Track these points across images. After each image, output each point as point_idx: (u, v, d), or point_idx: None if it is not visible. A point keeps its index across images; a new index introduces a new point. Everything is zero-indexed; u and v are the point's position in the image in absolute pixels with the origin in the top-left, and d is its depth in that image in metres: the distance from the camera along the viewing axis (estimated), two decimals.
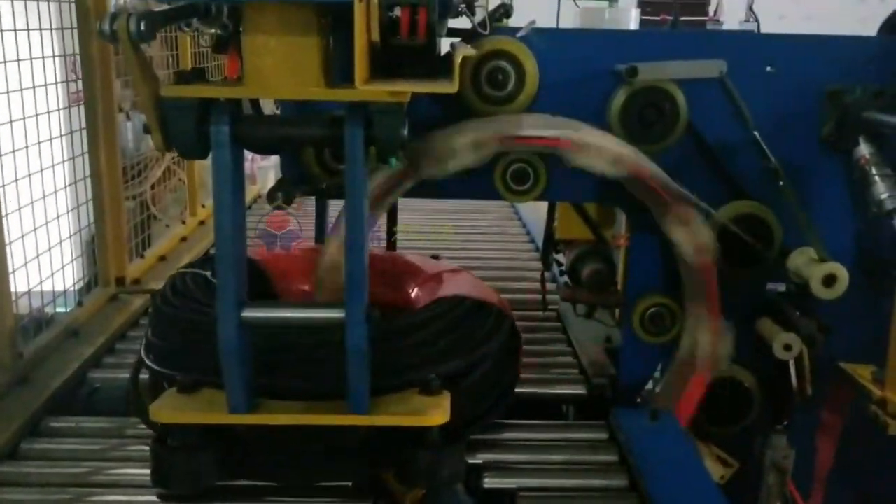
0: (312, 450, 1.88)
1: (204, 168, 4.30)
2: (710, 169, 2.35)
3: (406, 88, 1.58)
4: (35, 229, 2.74)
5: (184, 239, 4.04)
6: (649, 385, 2.55)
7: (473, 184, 2.28)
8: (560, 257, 3.23)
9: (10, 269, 2.46)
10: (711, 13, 9.49)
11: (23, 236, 2.63)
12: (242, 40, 1.57)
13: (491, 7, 2.44)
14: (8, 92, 2.57)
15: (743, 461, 2.52)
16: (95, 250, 3.18)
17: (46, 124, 2.83)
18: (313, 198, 2.61)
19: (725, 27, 7.38)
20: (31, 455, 2.15)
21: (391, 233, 2.86)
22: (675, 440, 2.26)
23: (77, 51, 2.97)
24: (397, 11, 1.59)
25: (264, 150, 2.35)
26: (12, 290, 2.47)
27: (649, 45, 2.30)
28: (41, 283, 2.76)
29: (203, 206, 4.37)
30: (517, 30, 2.25)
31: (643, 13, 3.41)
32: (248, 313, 1.68)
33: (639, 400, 2.51)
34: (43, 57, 2.79)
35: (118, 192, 3.21)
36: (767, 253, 2.32)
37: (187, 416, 1.77)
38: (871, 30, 2.53)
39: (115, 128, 3.15)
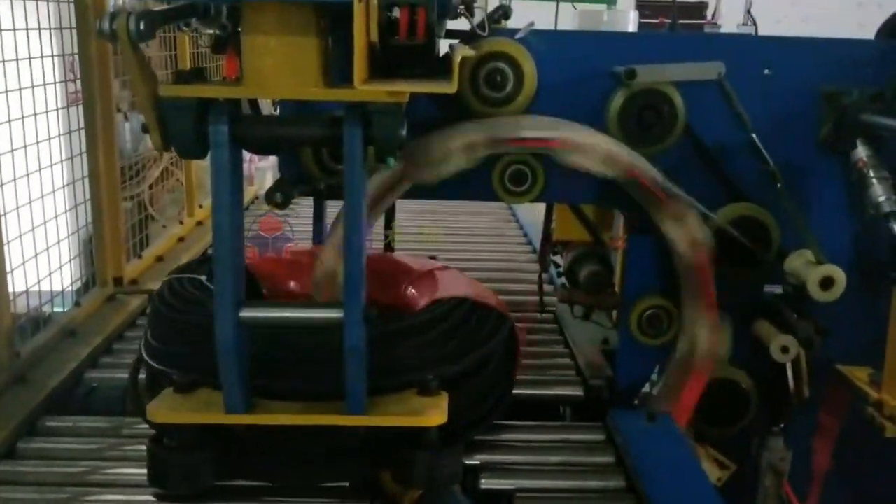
0: (310, 450, 1.88)
1: (202, 169, 4.30)
2: (708, 171, 2.36)
3: (405, 89, 1.58)
4: (33, 229, 2.74)
5: (181, 239, 4.04)
6: (646, 387, 2.55)
7: (471, 185, 2.29)
8: (558, 259, 3.23)
9: (8, 269, 2.46)
10: (709, 16, 9.50)
11: (20, 236, 2.63)
12: (241, 40, 1.57)
13: (490, 8, 2.44)
14: (7, 91, 2.57)
15: (740, 463, 2.53)
16: (93, 250, 3.18)
17: (45, 124, 2.83)
18: (308, 198, 2.61)
19: (723, 30, 7.39)
20: (28, 454, 2.15)
21: (388, 235, 2.86)
22: (672, 442, 2.26)
23: (75, 50, 2.97)
24: (396, 12, 1.59)
25: (263, 150, 2.35)
26: (10, 289, 2.47)
27: (647, 48, 2.31)
28: (39, 282, 2.76)
29: (200, 207, 4.38)
30: (516, 31, 2.26)
31: (641, 16, 3.42)
32: (246, 313, 1.68)
33: (636, 402, 2.51)
34: (42, 57, 2.79)
35: (116, 192, 3.21)
36: (765, 255, 2.33)
37: (184, 416, 1.76)
38: (868, 33, 2.54)
39: (114, 128, 3.16)
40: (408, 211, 3.99)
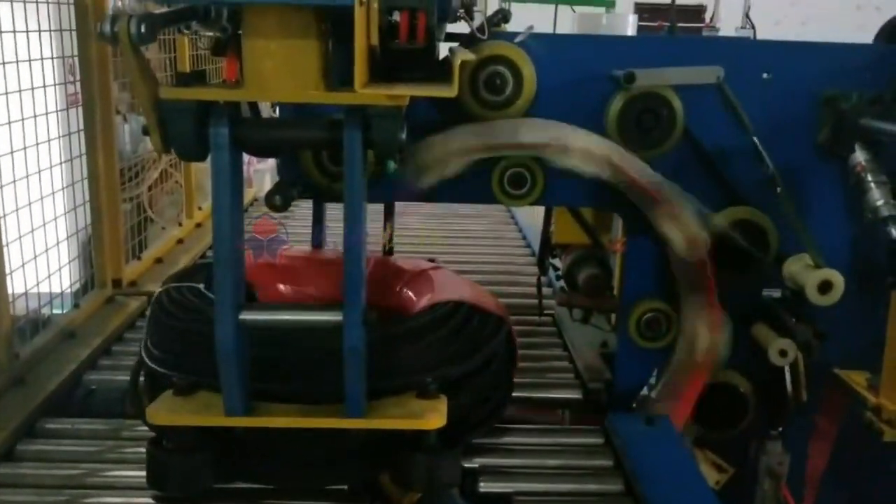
0: (309, 452, 1.88)
1: (200, 171, 4.30)
2: (707, 175, 2.36)
3: (406, 92, 1.58)
4: (32, 231, 2.74)
5: (180, 241, 4.04)
6: (645, 390, 2.55)
7: (470, 188, 2.29)
8: (556, 262, 3.23)
9: (8, 271, 2.46)
10: (708, 19, 9.50)
11: (20, 238, 2.63)
12: (242, 43, 1.57)
13: (489, 12, 2.44)
14: (6, 93, 2.57)
15: (738, 466, 2.53)
16: (92, 252, 3.18)
17: (44, 126, 2.83)
18: (304, 201, 2.61)
19: (722, 33, 7.39)
20: (26, 456, 2.15)
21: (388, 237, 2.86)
22: (670, 445, 2.26)
23: (75, 52, 2.97)
24: (396, 16, 1.60)
25: (263, 152, 2.35)
26: (9, 291, 2.47)
27: (646, 51, 2.31)
28: (38, 284, 2.76)
29: (199, 209, 4.38)
30: (515, 35, 2.26)
31: (640, 19, 3.42)
32: (246, 315, 1.69)
33: (634, 405, 2.51)
34: (42, 59, 2.79)
35: (115, 194, 3.21)
36: (764, 258, 2.33)
37: (184, 419, 1.76)
38: (867, 37, 2.54)
39: (113, 130, 3.16)
40: (406, 214, 3.99)
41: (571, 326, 3.03)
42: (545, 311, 3.12)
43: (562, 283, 3.15)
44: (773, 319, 2.41)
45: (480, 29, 2.09)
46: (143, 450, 1.83)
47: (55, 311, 2.88)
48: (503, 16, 2.46)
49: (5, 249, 2.44)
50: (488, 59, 2.20)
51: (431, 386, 1.82)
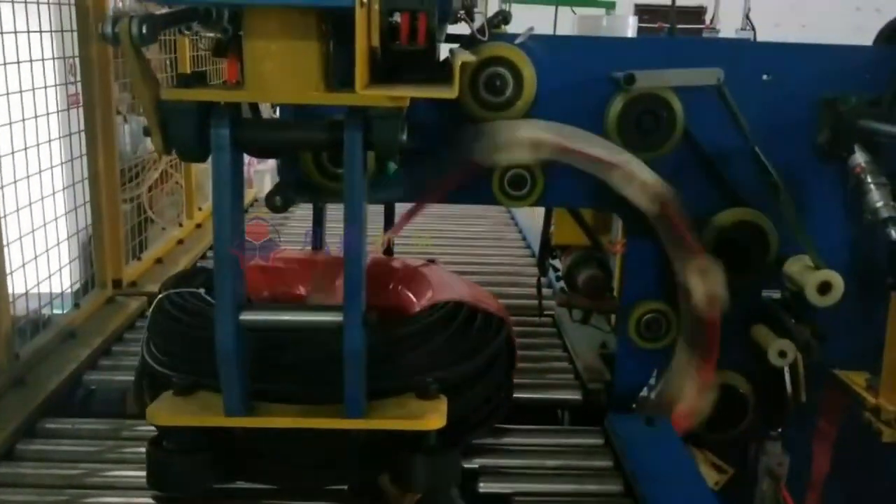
0: (309, 453, 1.88)
1: (201, 171, 4.31)
2: (707, 176, 2.36)
3: (406, 93, 1.58)
4: (33, 231, 2.74)
5: (180, 242, 4.05)
6: (644, 391, 2.55)
7: (471, 189, 2.29)
8: (556, 263, 3.23)
9: (8, 271, 2.47)
10: (708, 21, 9.50)
11: (20, 238, 2.63)
12: (243, 44, 1.57)
13: (489, 13, 2.45)
14: (7, 94, 2.57)
15: (738, 467, 2.53)
16: (92, 252, 3.18)
17: (45, 126, 2.84)
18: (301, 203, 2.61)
19: (722, 35, 7.39)
20: (27, 456, 2.15)
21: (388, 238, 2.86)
22: (670, 446, 2.26)
23: (76, 53, 2.97)
24: (397, 17, 1.60)
25: (264, 153, 2.35)
26: (10, 291, 2.48)
27: (646, 53, 2.31)
28: (38, 284, 2.76)
29: (199, 210, 4.38)
30: (515, 36, 2.26)
31: (640, 21, 3.42)
32: (247, 316, 1.69)
33: (634, 406, 2.51)
34: (42, 59, 2.79)
35: (115, 194, 3.21)
36: (763, 260, 2.33)
37: (184, 419, 1.77)
38: (866, 38, 2.55)
39: (113, 130, 3.16)
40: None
41: (571, 327, 3.03)
42: (545, 312, 3.12)
43: (562, 283, 3.16)
44: (772, 320, 2.41)
45: (481, 30, 2.10)
46: (143, 450, 1.83)
47: (55, 312, 2.89)
48: (503, 17, 2.46)
49: (6, 249, 2.45)
50: (489, 61, 2.21)
51: (432, 387, 1.82)
